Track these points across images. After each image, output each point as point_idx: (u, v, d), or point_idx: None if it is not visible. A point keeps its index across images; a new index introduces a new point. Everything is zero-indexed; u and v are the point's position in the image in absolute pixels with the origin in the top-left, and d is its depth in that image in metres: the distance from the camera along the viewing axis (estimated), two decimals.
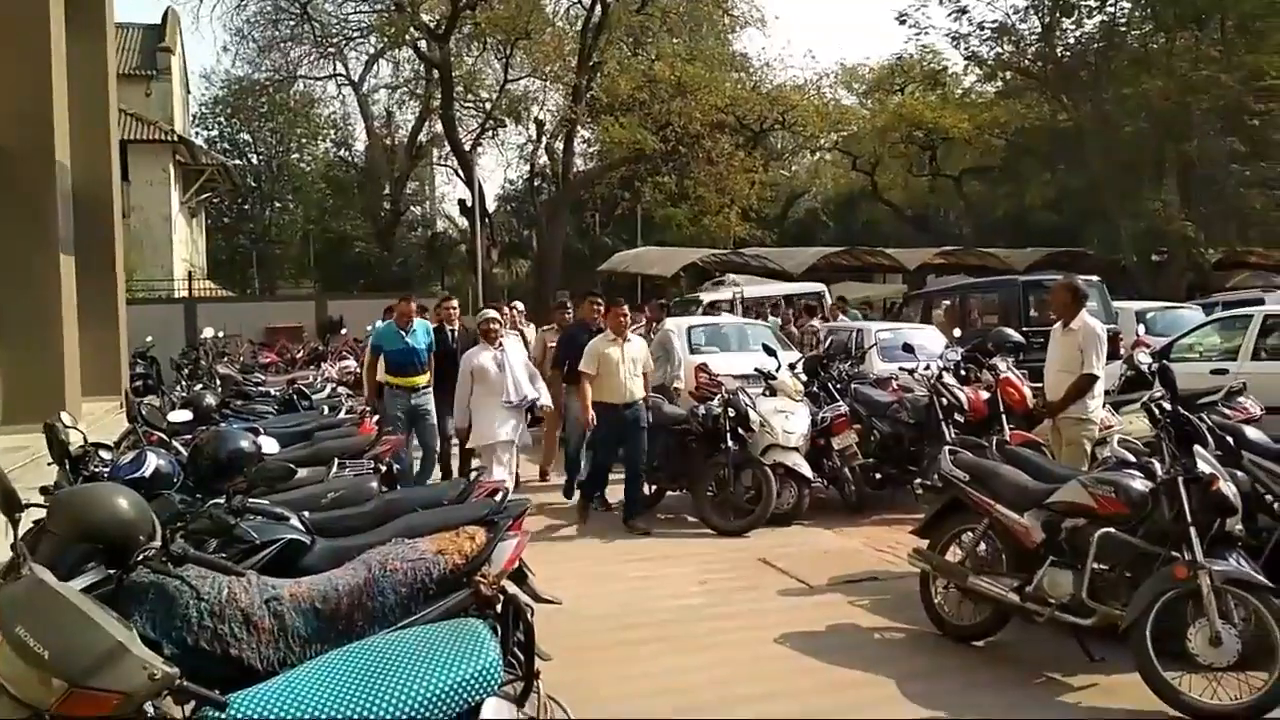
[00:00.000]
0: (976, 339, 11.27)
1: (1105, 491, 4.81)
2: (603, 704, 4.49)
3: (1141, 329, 15.03)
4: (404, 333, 9.21)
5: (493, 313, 8.51)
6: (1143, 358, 9.76)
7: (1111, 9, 28.75)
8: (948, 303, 17.03)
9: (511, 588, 3.75)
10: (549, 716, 3.44)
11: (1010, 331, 10.20)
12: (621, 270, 30.52)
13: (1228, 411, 7.06)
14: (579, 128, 32.50)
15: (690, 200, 33.73)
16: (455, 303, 10.49)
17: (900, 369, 10.30)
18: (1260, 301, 14.80)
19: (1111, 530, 4.70)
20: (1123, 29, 28.75)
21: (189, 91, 39.27)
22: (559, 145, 33.45)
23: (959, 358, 9.59)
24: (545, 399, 8.51)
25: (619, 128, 29.59)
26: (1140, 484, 4.78)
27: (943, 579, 5.55)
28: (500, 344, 8.10)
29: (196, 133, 41.32)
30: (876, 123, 35.14)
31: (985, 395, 8.50)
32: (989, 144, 33.59)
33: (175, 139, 28.48)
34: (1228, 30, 26.28)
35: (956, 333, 11.91)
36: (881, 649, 5.39)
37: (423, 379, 9.21)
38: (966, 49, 31.25)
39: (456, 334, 9.81)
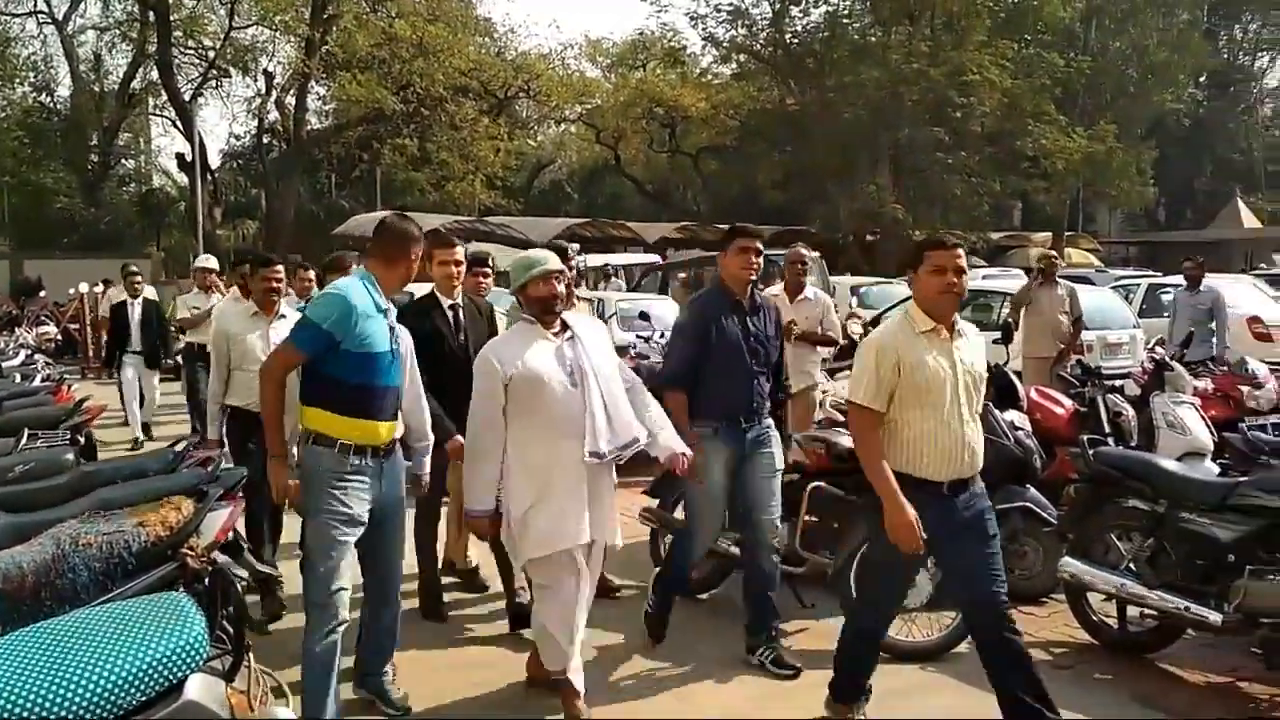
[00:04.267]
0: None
1: (816, 448, 5.17)
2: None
3: (855, 301, 16.16)
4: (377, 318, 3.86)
5: (554, 261, 4.03)
6: (855, 328, 10.46)
7: (835, 1, 30.59)
8: (684, 275, 17.59)
9: (223, 559, 3.54)
10: (262, 690, 3.27)
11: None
12: (359, 235, 29.43)
13: None
14: (313, 83, 31.00)
15: (433, 165, 33.02)
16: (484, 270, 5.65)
17: (638, 337, 10.52)
18: None
19: (821, 484, 5.05)
20: (845, 20, 30.66)
21: None
22: (290, 100, 31.76)
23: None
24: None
25: (356, 85, 28.49)
26: (847, 440, 5.13)
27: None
28: (567, 331, 3.92)
29: None
30: (619, 97, 35.72)
31: None
32: (724, 124, 34.90)
33: None
34: (936, 28, 28.59)
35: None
36: None
37: (389, 427, 3.87)
38: (704, 30, 32.40)
39: (463, 316, 5.12)
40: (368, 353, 3.58)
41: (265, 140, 34.88)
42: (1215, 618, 4.18)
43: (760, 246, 4.65)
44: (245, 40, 30.78)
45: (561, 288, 3.96)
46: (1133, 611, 4.69)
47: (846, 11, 30.91)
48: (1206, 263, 10.24)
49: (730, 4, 31.07)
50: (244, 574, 3.84)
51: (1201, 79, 40.82)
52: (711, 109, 33.86)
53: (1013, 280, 15.23)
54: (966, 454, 3.53)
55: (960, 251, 3.55)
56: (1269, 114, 48.10)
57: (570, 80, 34.37)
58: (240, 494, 3.98)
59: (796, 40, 31.41)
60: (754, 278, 4.67)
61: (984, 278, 17.01)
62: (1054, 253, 11.11)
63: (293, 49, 30.54)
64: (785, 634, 4.78)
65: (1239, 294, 12.22)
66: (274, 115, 33.14)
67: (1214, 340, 9.34)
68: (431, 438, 4.27)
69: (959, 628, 4.52)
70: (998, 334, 6.95)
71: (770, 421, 4.71)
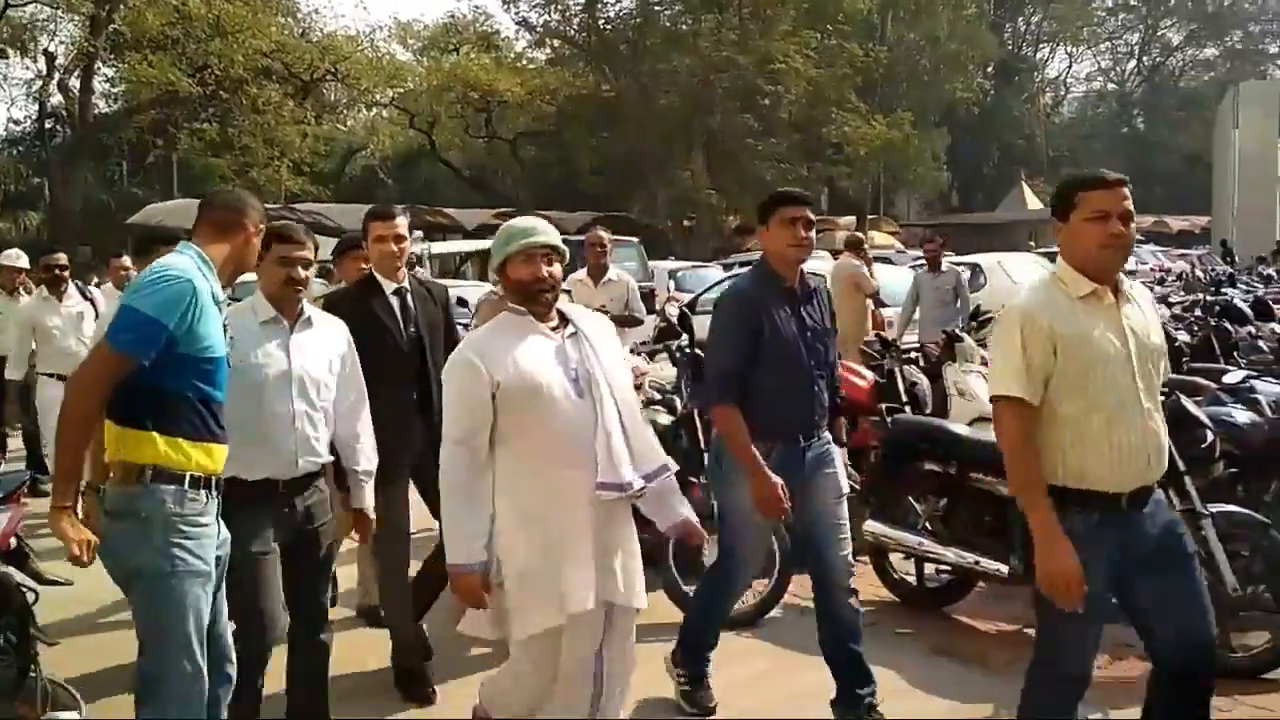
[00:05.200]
0: None
1: None
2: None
3: (673, 285, 16.47)
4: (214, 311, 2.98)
5: (547, 233, 3.03)
6: (671, 310, 10.65)
7: None
8: None
9: (2, 566, 3.30)
10: (51, 708, 3.08)
11: None
12: (155, 224, 27.76)
13: None
14: (99, 64, 28.98)
15: (235, 150, 31.45)
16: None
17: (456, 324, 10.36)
18: None
19: None
20: (656, 8, 31.10)
21: None
22: (75, 83, 29.58)
23: None
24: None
25: (147, 67, 26.80)
26: (665, 418, 5.27)
27: None
28: (568, 326, 3.02)
29: None
30: (432, 81, 34.96)
31: None
32: (541, 109, 34.76)
33: None
34: (744, 17, 29.37)
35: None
36: None
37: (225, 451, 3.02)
38: (517, 14, 32.15)
39: (412, 303, 4.21)
40: (210, 357, 2.82)
41: (48, 125, 32.39)
42: (1003, 570, 4.49)
43: (811, 215, 3.68)
44: (23, 18, 28.43)
45: (556, 269, 2.94)
46: (930, 568, 5.00)
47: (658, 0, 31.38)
48: (994, 243, 10.84)
49: None
50: (31, 582, 3.58)
51: (989, 69, 43.53)
52: (528, 94, 33.59)
53: (819, 262, 15.84)
54: (1152, 453, 2.68)
55: (1126, 190, 2.68)
56: (1050, 102, 51.85)
57: (380, 63, 33.37)
58: (21, 497, 3.70)
59: (610, 27, 31.63)
60: (807, 257, 3.73)
61: None
62: (860, 234, 11.59)
63: (76, 28, 28.45)
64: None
65: (1025, 271, 13.12)
66: (57, 99, 30.77)
67: (959, 320, 8.91)
68: (375, 460, 3.55)
69: (774, 589, 4.69)
70: None
71: (829, 435, 3.82)
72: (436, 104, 35.38)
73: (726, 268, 17.93)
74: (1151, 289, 11.69)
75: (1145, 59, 53.86)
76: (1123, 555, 2.69)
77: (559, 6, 31.60)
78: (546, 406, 2.80)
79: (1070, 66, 55.00)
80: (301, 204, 29.60)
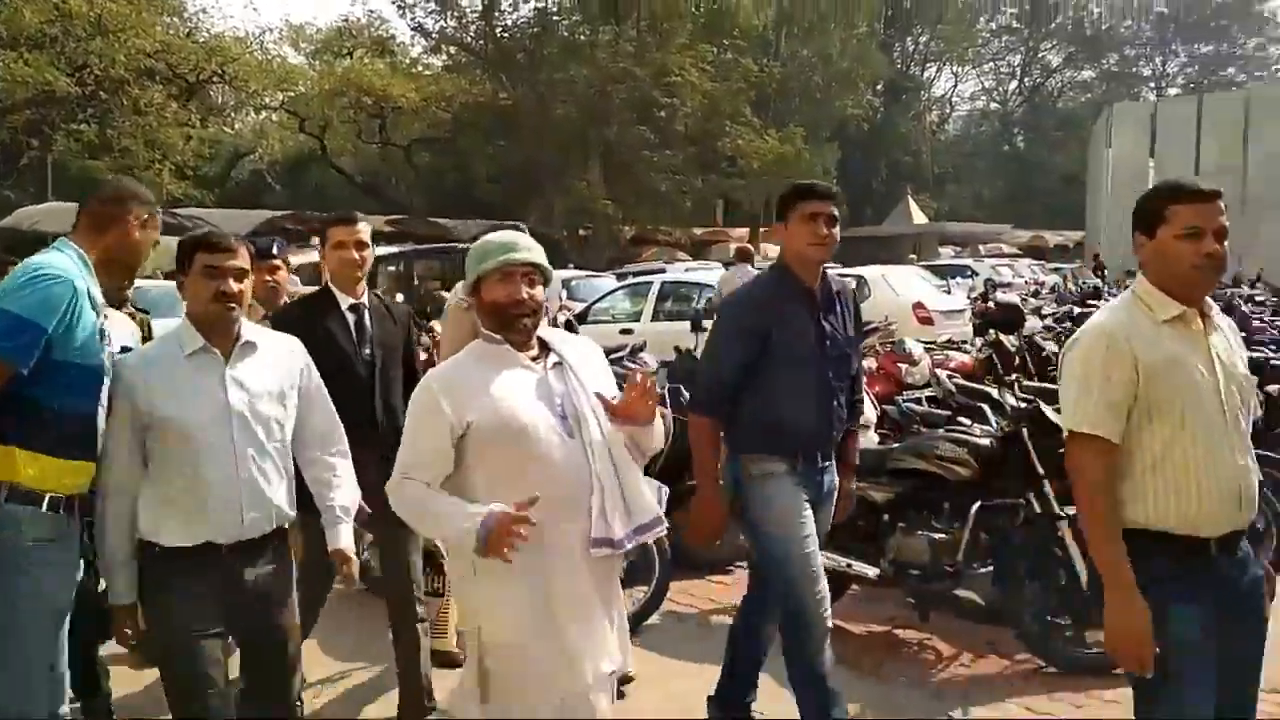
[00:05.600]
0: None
1: None
2: None
3: (565, 294, 16.47)
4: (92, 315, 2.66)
5: (529, 250, 2.59)
6: (561, 320, 10.68)
7: None
8: (393, 268, 17.22)
9: None
10: None
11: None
12: (29, 228, 26.55)
13: (631, 366, 7.96)
14: None
15: (114, 153, 30.32)
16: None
17: None
18: (661, 271, 16.98)
19: None
20: (555, 18, 31.13)
21: None
22: None
23: None
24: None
25: (23, 65, 25.67)
26: None
27: None
28: (550, 355, 2.58)
29: None
30: (324, 85, 34.30)
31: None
32: (437, 116, 34.40)
33: None
34: (641, 29, 29.62)
35: (400, 297, 12.09)
36: None
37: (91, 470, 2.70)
38: (412, 19, 31.82)
39: (370, 321, 3.74)
40: (85, 364, 2.54)
41: None
42: (873, 572, 4.59)
43: (835, 212, 3.31)
44: None
45: (538, 291, 2.54)
46: None
47: (556, 8, 31.38)
48: (880, 255, 11.16)
49: None
50: None
51: (878, 87, 44.73)
52: (423, 100, 33.22)
53: (712, 272, 16.04)
54: (1246, 493, 2.37)
55: (1222, 203, 2.38)
56: (936, 120, 53.56)
57: (270, 66, 32.61)
58: None
59: (507, 35, 31.53)
60: (829, 258, 3.37)
61: (686, 270, 17.87)
62: (751, 245, 11.77)
63: None
64: None
65: (908, 282, 13.51)
66: None
67: None
68: (356, 494, 3.00)
69: (654, 595, 4.71)
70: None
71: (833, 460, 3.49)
72: (328, 108, 34.72)
73: (620, 277, 18.05)
74: (1026, 301, 12.17)
75: (1026, 80, 56.16)
76: (1211, 608, 2.36)
77: (455, 13, 31.38)
78: (533, 451, 2.41)
79: (955, 86, 57.15)
80: (183, 209, 28.70)
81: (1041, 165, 49.26)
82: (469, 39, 32.02)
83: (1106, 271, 21.13)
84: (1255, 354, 6.38)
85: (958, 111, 58.00)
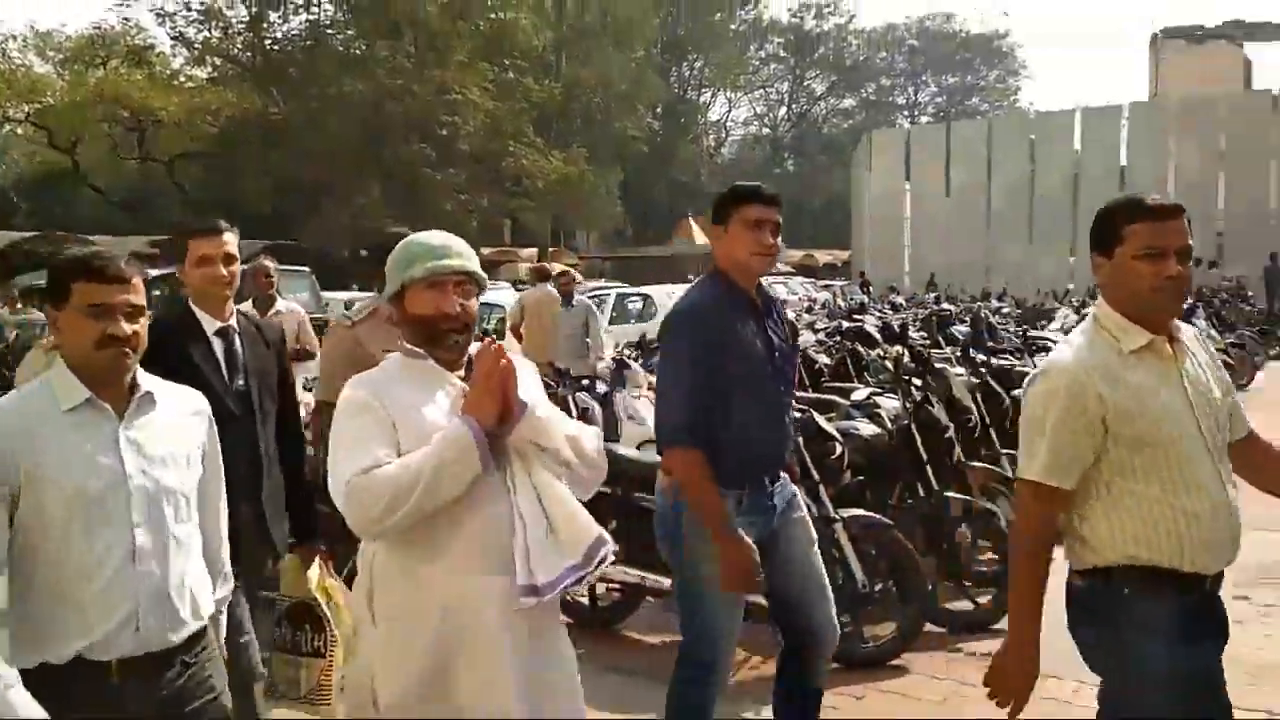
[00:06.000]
0: None
1: None
2: None
3: (344, 316, 16.03)
4: None
5: (460, 254, 2.35)
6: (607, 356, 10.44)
7: (317, 9, 30.09)
8: (158, 293, 16.28)
9: None
10: None
11: None
12: None
13: None
14: None
15: None
16: None
17: None
18: None
19: None
20: (328, 30, 30.26)
21: None
22: None
23: None
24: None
25: None
26: None
27: None
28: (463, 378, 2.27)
29: None
30: (76, 96, 31.90)
31: None
32: (202, 130, 32.64)
33: None
34: (420, 45, 29.24)
35: None
36: None
37: None
38: (173, 28, 30.13)
39: (241, 346, 3.20)
40: None
41: None
42: (667, 583, 4.70)
43: (779, 218, 3.06)
44: None
45: (472, 304, 2.28)
46: (601, 588, 5.15)
47: (329, 22, 30.51)
48: (664, 275, 11.37)
49: (201, 3, 29.23)
50: None
51: (657, 110, 45.99)
52: (187, 113, 31.44)
53: (501, 292, 15.98)
54: (1235, 528, 2.24)
55: (1184, 220, 2.23)
56: (713, 144, 55.58)
57: (14, 75, 30.09)
58: None
59: (277, 47, 30.36)
60: (771, 269, 3.12)
61: None
62: (545, 264, 11.74)
63: None
64: None
65: None
66: None
67: (591, 354, 8.96)
68: (228, 577, 2.47)
69: None
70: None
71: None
72: (80, 122, 32.26)
73: None
74: (800, 317, 12.80)
75: (794, 106, 59.14)
76: (1204, 652, 2.23)
77: (220, 24, 29.92)
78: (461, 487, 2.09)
79: (730, 111, 59.42)
80: None
81: (810, 188, 51.95)
82: (236, 51, 30.60)
83: (871, 288, 22.50)
84: (1002, 362, 6.98)
85: (733, 135, 60.43)
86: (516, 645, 2.13)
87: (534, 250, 34.62)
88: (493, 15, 31.24)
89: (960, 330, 10.15)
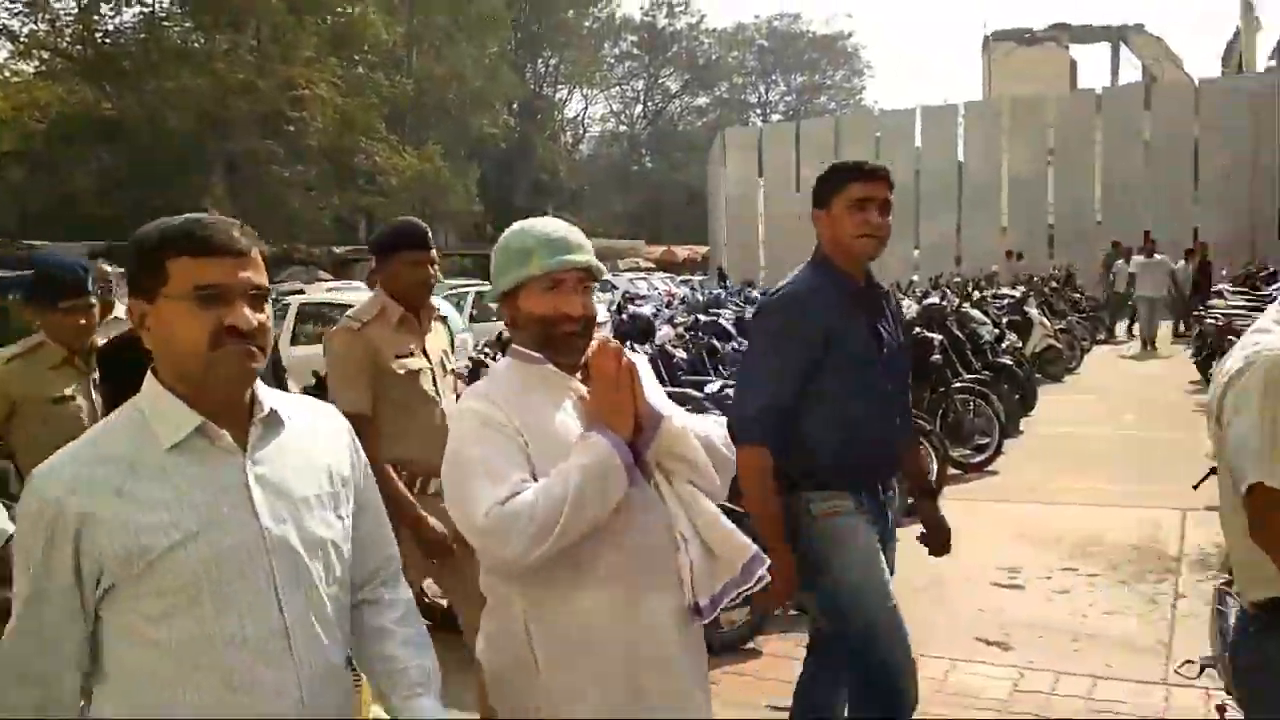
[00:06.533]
0: None
1: None
2: None
3: None
4: None
5: (579, 248, 2.06)
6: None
7: (152, 2, 28.76)
8: None
9: None
10: None
11: None
12: None
13: None
14: None
15: None
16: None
17: None
18: (300, 291, 16.29)
19: None
20: (164, 23, 28.94)
21: None
22: None
23: None
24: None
25: None
26: None
27: None
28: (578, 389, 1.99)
29: None
30: None
31: None
32: (29, 127, 30.73)
33: None
34: (263, 39, 28.25)
35: None
36: None
37: None
38: None
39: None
40: None
41: None
42: None
43: (890, 196, 2.73)
44: None
45: (591, 302, 2.02)
46: None
47: (165, 14, 29.18)
48: None
49: None
50: None
51: (514, 106, 45.69)
52: (13, 110, 29.56)
53: (356, 292, 15.63)
54: None
55: None
56: (571, 141, 55.55)
57: None
58: None
59: (109, 40, 28.86)
60: (879, 252, 2.75)
61: (329, 290, 17.24)
62: None
63: None
64: None
65: None
66: None
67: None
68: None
69: None
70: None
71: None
72: None
73: None
74: (660, 311, 12.95)
75: (650, 104, 59.69)
76: None
77: (47, 15, 28.24)
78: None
79: (586, 108, 59.59)
80: None
81: (668, 184, 52.55)
82: (64, 44, 28.93)
83: (729, 281, 22.92)
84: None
85: (590, 132, 60.57)
86: (694, 668, 1.99)
87: None
88: (340, 10, 30.46)
89: None
